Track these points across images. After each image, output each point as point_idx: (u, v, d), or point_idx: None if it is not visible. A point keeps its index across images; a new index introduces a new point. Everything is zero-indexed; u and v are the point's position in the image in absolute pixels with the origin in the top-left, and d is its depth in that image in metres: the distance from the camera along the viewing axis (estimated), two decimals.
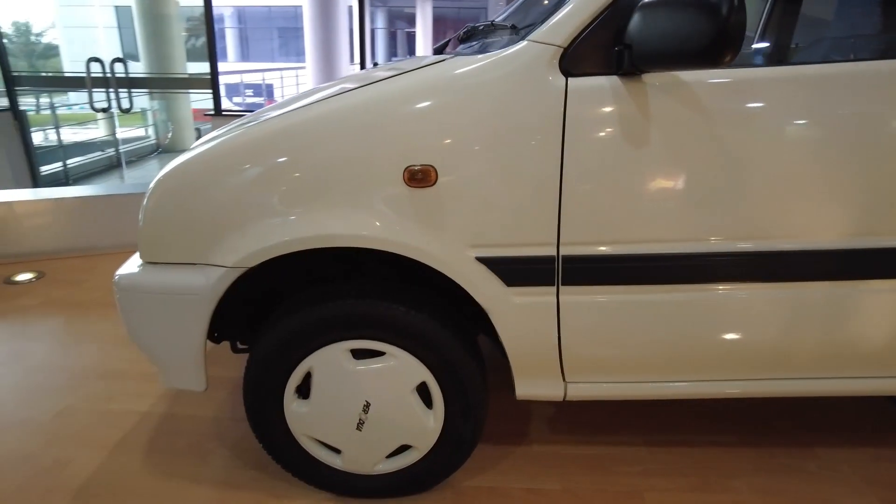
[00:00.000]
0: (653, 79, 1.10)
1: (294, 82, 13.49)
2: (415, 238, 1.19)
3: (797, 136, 1.11)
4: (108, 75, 4.76)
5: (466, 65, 1.17)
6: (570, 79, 1.11)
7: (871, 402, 1.93)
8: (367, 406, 1.37)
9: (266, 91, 13.81)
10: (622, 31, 1.07)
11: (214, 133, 1.49)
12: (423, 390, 1.37)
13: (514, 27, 1.27)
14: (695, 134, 1.11)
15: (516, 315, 1.25)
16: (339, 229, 1.19)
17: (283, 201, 1.20)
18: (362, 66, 5.44)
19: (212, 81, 4.83)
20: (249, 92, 14.52)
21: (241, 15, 23.02)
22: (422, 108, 1.15)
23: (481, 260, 1.20)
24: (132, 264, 1.37)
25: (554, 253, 1.19)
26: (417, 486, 1.50)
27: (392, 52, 22.00)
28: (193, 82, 5.60)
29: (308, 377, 1.37)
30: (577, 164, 1.13)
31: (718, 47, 0.93)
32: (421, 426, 1.39)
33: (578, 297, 1.23)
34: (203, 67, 5.01)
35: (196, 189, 1.25)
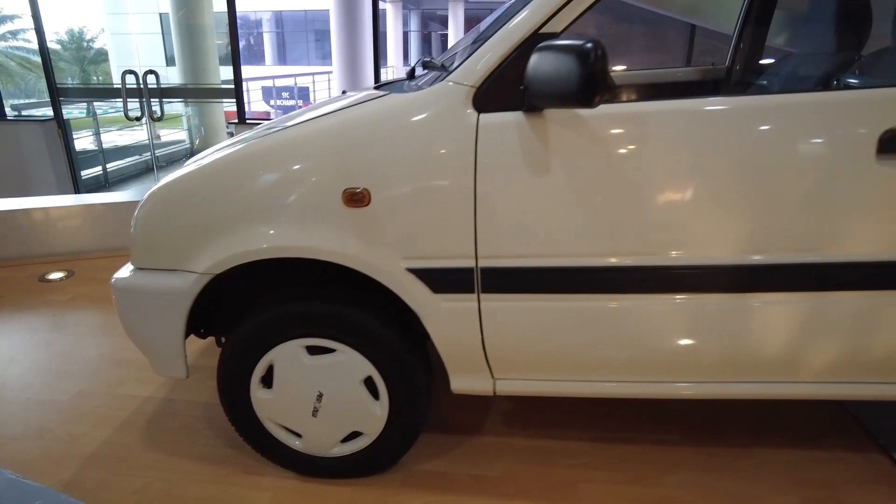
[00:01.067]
0: (552, 114, 1.26)
1: (326, 86, 13.89)
2: (354, 250, 1.38)
3: (681, 162, 1.25)
4: (141, 86, 5.10)
5: (397, 101, 1.36)
6: (481, 114, 1.28)
7: (819, 406, 2.02)
8: (320, 396, 1.57)
9: (299, 94, 14.26)
10: (522, 74, 1.23)
11: (205, 153, 1.72)
12: (371, 382, 1.56)
13: (443, 66, 1.44)
14: (590, 162, 1.27)
15: (444, 318, 1.42)
16: (289, 242, 1.39)
17: (244, 218, 1.41)
18: (376, 72, 5.66)
19: (235, 91, 5.13)
20: (286, 95, 15.04)
21: (279, 19, 23.69)
22: (357, 139, 1.34)
23: (411, 270, 1.38)
24: (126, 269, 1.60)
25: (473, 265, 1.36)
26: (370, 469, 1.69)
27: (426, 54, 22.27)
28: (219, 92, 5.94)
29: (271, 369, 1.58)
30: (488, 189, 1.29)
31: (587, 90, 1.10)
32: (369, 414, 1.58)
33: (497, 304, 1.39)
34: (229, 72, 5.30)
35: (175, 206, 1.47)
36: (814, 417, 1.96)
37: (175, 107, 8.02)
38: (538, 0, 1.26)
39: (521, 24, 1.26)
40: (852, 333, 1.33)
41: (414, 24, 21.93)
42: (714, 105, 1.25)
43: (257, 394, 1.61)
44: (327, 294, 1.52)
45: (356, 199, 1.34)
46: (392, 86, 1.72)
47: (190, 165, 1.55)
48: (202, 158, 1.57)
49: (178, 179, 1.49)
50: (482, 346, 1.45)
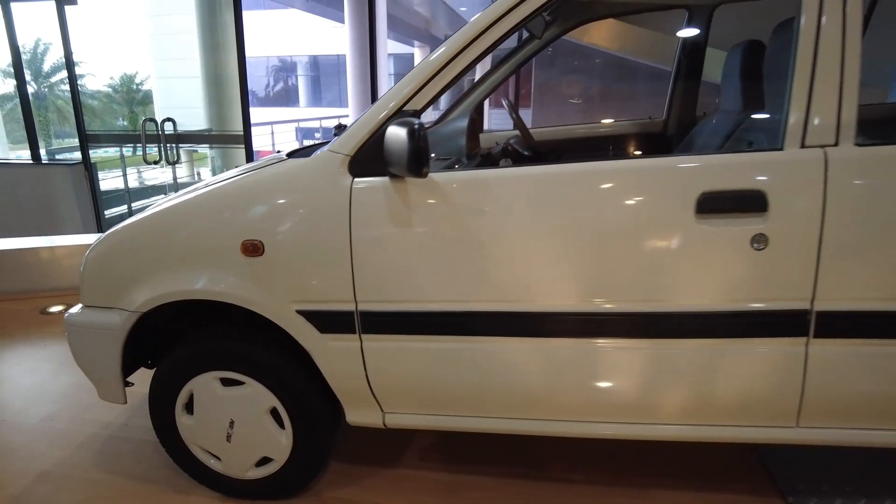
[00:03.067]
0: (411, 179, 1.45)
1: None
2: (251, 294, 1.58)
3: (522, 222, 1.42)
4: (159, 133, 5.53)
5: (290, 166, 1.57)
6: (355, 178, 1.49)
7: (730, 451, 2.08)
8: (232, 423, 1.75)
9: (324, 134, 14.95)
10: None
11: (156, 202, 1.97)
12: (277, 412, 1.73)
13: (337, 131, 1.66)
14: (443, 220, 1.45)
15: (331, 356, 1.60)
16: (198, 287, 1.60)
17: (164, 265, 1.63)
18: None
19: (244, 138, 5.51)
20: (317, 135, 15.79)
21: (314, 63, 24.83)
22: (255, 198, 1.56)
23: (300, 312, 1.57)
24: (77, 307, 1.84)
25: (353, 308, 1.54)
26: (282, 492, 1.86)
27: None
28: (230, 138, 6.37)
29: (192, 397, 1.77)
30: (361, 243, 1.48)
31: (415, 163, 1.29)
32: (275, 442, 1.75)
33: (376, 344, 1.57)
34: (264, 113, 5.67)
35: (114, 252, 1.71)
36: (722, 462, 2.03)
37: (202, 147, 8.57)
38: (401, 81, 1.48)
39: (386, 102, 1.46)
40: (690, 379, 1.45)
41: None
42: (550, 171, 1.42)
43: (181, 419, 1.80)
44: (237, 332, 1.72)
45: (252, 249, 1.55)
46: (304, 151, 1.94)
47: (134, 216, 1.80)
48: (149, 208, 1.82)
49: (120, 229, 1.73)
50: (367, 382, 1.61)
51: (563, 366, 1.49)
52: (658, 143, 2.58)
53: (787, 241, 1.31)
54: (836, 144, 1.30)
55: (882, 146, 1.30)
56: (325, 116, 14.72)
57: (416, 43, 21.02)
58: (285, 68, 25.55)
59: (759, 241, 1.32)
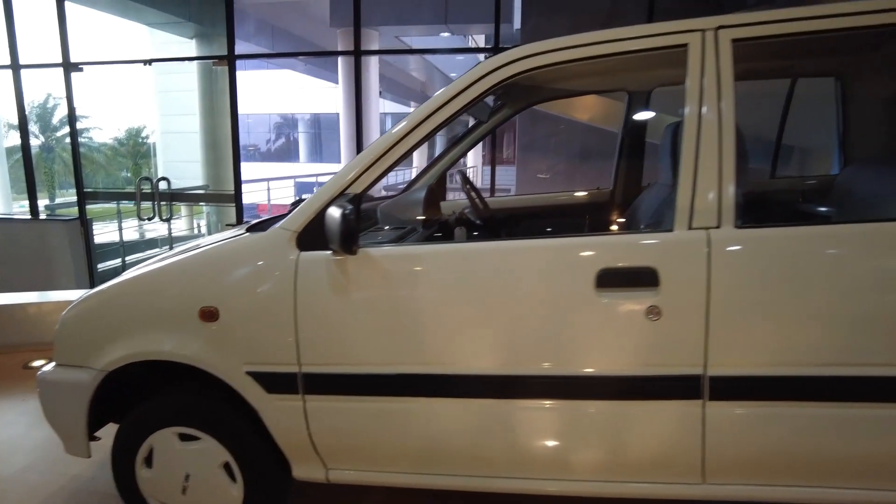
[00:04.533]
0: (355, 254, 1.62)
1: None
2: (206, 356, 1.72)
3: (443, 292, 1.59)
4: (154, 191, 5.78)
5: (245, 240, 1.75)
6: (301, 252, 1.66)
7: None
8: (187, 477, 1.86)
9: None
10: None
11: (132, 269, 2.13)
12: (230, 467, 1.84)
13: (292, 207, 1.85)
14: (378, 290, 1.61)
15: (277, 415, 1.73)
16: (159, 348, 1.76)
17: (128, 328, 1.79)
18: None
19: (235, 197, 5.75)
20: (316, 189, 16.23)
21: (316, 120, 25.65)
22: (212, 269, 1.73)
23: (250, 374, 1.71)
24: (50, 365, 1.98)
25: (297, 371, 1.68)
26: None
27: (433, 150, 23.66)
28: (222, 197, 6.65)
29: (152, 451, 1.89)
30: (305, 311, 1.64)
31: (346, 241, 1.47)
32: (227, 495, 1.85)
33: (318, 403, 1.70)
34: (266, 168, 5.92)
35: (87, 314, 1.87)
36: None
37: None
38: (346, 165, 1.67)
39: (331, 185, 1.66)
40: (601, 437, 1.58)
41: None
42: (471, 248, 1.61)
43: (141, 472, 1.91)
44: (194, 392, 1.85)
45: (208, 315, 1.70)
46: (264, 224, 2.13)
47: (109, 281, 1.96)
48: (126, 272, 1.98)
49: (94, 293, 1.90)
50: (310, 439, 1.74)
51: (485, 424, 1.62)
52: (605, 212, 2.77)
53: (677, 313, 1.47)
54: (718, 226, 1.48)
55: (759, 228, 1.48)
56: (323, 172, 15.18)
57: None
58: (287, 125, 26.36)
59: (653, 312, 1.48)
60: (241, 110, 5.82)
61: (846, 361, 1.45)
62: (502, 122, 2.76)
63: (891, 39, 2.16)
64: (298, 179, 15.44)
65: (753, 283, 1.46)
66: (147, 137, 26.14)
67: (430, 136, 1.66)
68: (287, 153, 26.00)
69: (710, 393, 1.50)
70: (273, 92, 22.83)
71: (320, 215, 1.64)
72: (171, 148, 19.24)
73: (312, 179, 15.34)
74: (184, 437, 1.85)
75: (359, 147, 6.43)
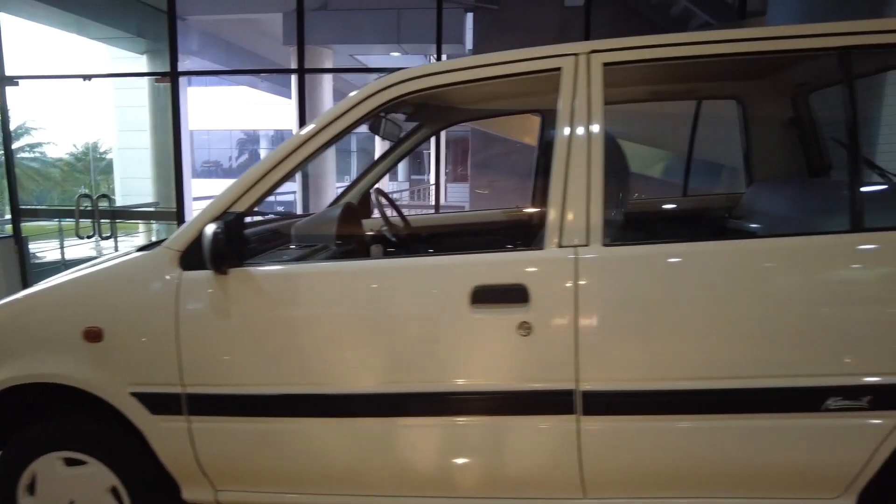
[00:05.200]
0: (232, 272, 1.62)
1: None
2: (90, 377, 1.69)
3: (327, 311, 1.60)
4: (93, 209, 5.66)
5: (131, 260, 1.73)
6: (184, 272, 1.65)
7: None
8: (72, 503, 1.81)
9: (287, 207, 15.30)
10: None
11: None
12: (118, 491, 1.80)
13: None
14: (258, 309, 1.61)
15: (162, 436, 1.70)
16: (43, 370, 1.71)
17: (11, 350, 1.75)
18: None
19: (177, 214, 5.66)
20: (280, 207, 16.14)
21: (279, 137, 25.49)
22: (97, 289, 1.71)
23: (134, 394, 1.69)
24: None
25: (180, 391, 1.66)
26: None
27: (414, 171, 23.77)
28: (163, 214, 6.54)
29: (35, 478, 1.83)
30: (187, 331, 1.63)
31: (215, 260, 1.48)
32: None
33: (202, 424, 1.68)
34: (223, 185, 5.85)
35: None
36: None
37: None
38: (228, 186, 1.67)
39: (213, 204, 1.65)
40: (481, 454, 1.60)
41: None
42: (350, 266, 1.62)
43: (23, 501, 1.85)
44: (81, 414, 1.81)
45: (93, 335, 1.67)
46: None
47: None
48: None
49: None
50: (196, 461, 1.71)
51: (367, 443, 1.62)
52: (522, 230, 2.82)
53: (547, 329, 1.51)
54: (586, 244, 1.52)
55: (624, 246, 1.53)
56: (285, 191, 15.08)
57: None
58: (249, 141, 26.11)
59: (524, 328, 1.51)
60: (201, 126, 5.76)
61: (713, 375, 1.50)
62: (422, 141, 2.80)
63: (778, 68, 2.28)
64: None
65: (620, 300, 1.51)
66: (106, 153, 25.60)
67: (314, 156, 1.68)
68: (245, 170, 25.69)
69: (583, 408, 1.53)
70: (234, 108, 22.66)
71: (200, 235, 1.63)
72: (129, 164, 18.87)
73: (270, 197, 15.20)
74: (70, 462, 1.81)
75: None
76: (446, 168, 20.44)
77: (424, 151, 22.15)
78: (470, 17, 8.70)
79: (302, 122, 5.74)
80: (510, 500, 1.65)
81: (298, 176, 8.34)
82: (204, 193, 9.08)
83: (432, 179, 21.01)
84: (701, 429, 1.53)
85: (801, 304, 1.47)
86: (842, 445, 1.50)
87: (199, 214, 1.67)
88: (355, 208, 2.61)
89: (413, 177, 23.87)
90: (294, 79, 10.36)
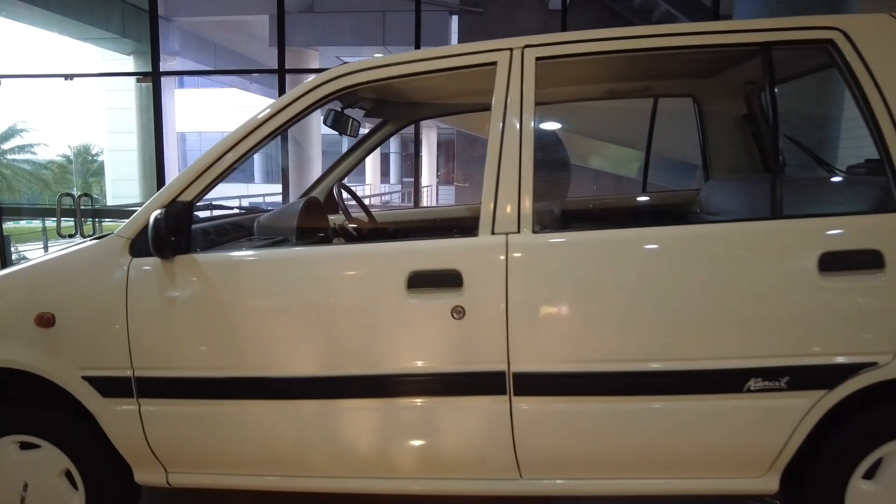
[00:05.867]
0: (178, 259, 1.67)
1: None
2: (42, 362, 1.73)
3: (268, 296, 1.65)
4: (75, 208, 5.69)
5: (84, 248, 1.78)
6: (134, 259, 1.70)
7: None
8: (26, 486, 1.85)
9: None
10: None
11: None
12: (71, 474, 1.84)
13: None
14: (202, 295, 1.66)
15: (113, 419, 1.75)
16: None
17: None
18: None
19: None
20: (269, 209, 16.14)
21: (275, 141, 25.47)
22: (50, 275, 1.76)
23: (86, 378, 1.73)
24: None
25: (130, 374, 1.71)
26: None
27: (405, 174, 23.84)
28: None
29: None
30: (135, 315, 1.68)
31: (157, 246, 1.55)
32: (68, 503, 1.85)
33: (152, 407, 1.73)
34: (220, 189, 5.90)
35: None
36: None
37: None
38: (177, 176, 1.72)
39: (162, 193, 1.71)
40: (418, 434, 1.65)
41: (394, 147, 23.65)
42: (289, 253, 1.69)
43: None
44: (33, 399, 1.85)
45: (44, 321, 1.72)
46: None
47: None
48: None
49: None
50: (146, 443, 1.76)
51: (309, 425, 1.67)
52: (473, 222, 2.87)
53: (480, 312, 1.56)
54: (518, 232, 1.58)
55: (555, 233, 1.59)
56: (273, 193, 15.12)
57: (366, 123, 21.93)
58: None
59: (458, 312, 1.56)
60: (192, 128, 5.82)
61: (639, 357, 1.56)
62: (387, 137, 2.86)
63: (727, 67, 2.34)
64: (245, 201, 15.34)
65: (549, 284, 1.57)
66: (98, 155, 25.59)
67: (260, 146, 1.73)
68: (242, 173, 25.73)
69: (514, 389, 1.58)
70: (224, 110, 22.68)
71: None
72: (119, 166, 18.89)
73: (259, 200, 15.25)
74: (25, 446, 1.85)
75: (291, 165, 6.46)
76: (438, 171, 20.52)
77: (412, 154, 22.30)
78: (455, 19, 8.78)
79: None
80: (450, 481, 1.71)
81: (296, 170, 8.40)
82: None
83: (424, 182, 21.08)
84: (628, 410, 1.58)
85: (722, 289, 1.53)
86: (764, 425, 1.56)
87: (148, 203, 1.73)
88: (319, 203, 2.66)
89: (405, 179, 23.94)
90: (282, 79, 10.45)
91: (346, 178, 2.88)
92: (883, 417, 1.56)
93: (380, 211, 3.03)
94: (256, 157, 26.19)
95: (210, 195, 1.78)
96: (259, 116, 1.71)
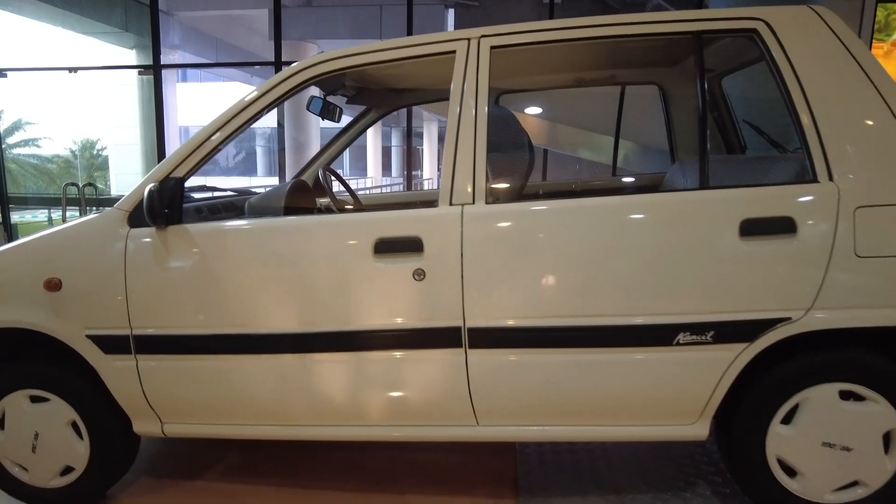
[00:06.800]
0: (172, 229, 1.87)
1: None
2: (50, 323, 1.94)
3: (251, 262, 1.84)
4: (79, 196, 5.90)
5: (88, 220, 1.98)
6: (132, 229, 1.90)
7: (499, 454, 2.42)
8: (37, 435, 2.06)
9: None
10: None
11: None
12: (77, 425, 2.04)
13: None
14: (192, 261, 1.86)
15: (114, 374, 1.95)
16: (9, 317, 1.96)
17: None
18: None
19: None
20: None
21: (274, 134, 25.75)
22: (58, 244, 1.96)
23: (89, 337, 1.93)
24: None
25: (129, 333, 1.91)
26: (82, 499, 2.13)
27: (405, 167, 23.93)
28: None
29: (4, 414, 2.08)
30: (133, 279, 1.88)
31: (152, 216, 1.74)
32: (74, 452, 2.05)
33: (148, 363, 1.93)
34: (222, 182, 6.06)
35: None
36: (482, 467, 2.36)
37: None
38: (171, 154, 1.92)
39: (157, 170, 1.90)
40: (384, 385, 1.84)
41: (396, 140, 23.82)
42: (268, 223, 1.89)
43: None
44: (43, 357, 2.05)
45: (52, 286, 1.92)
46: None
47: None
48: None
49: None
50: (144, 395, 1.96)
51: (287, 377, 1.87)
52: None
53: (438, 274, 1.75)
54: (473, 203, 1.77)
55: (504, 203, 1.78)
56: (274, 185, 15.36)
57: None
58: (246, 138, 26.36)
59: (419, 274, 1.75)
60: (196, 123, 6.02)
61: (580, 314, 1.75)
62: (371, 123, 3.05)
63: (687, 55, 2.51)
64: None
65: (499, 248, 1.75)
66: (104, 149, 25.86)
67: (244, 127, 1.92)
68: (245, 167, 25.99)
69: (469, 343, 1.78)
70: (227, 104, 22.87)
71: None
72: (124, 160, 19.18)
73: (261, 191, 15.48)
74: (35, 400, 2.05)
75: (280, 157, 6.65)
76: (439, 164, 20.66)
77: (418, 147, 22.42)
78: (451, 13, 8.93)
79: (280, 114, 5.98)
80: (414, 427, 1.90)
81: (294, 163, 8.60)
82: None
83: (426, 174, 21.22)
84: (571, 362, 1.77)
85: (654, 252, 1.72)
86: (692, 376, 1.75)
87: (144, 179, 1.92)
88: (306, 185, 2.85)
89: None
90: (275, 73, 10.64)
91: (337, 164, 3.06)
92: (798, 367, 1.74)
93: (366, 194, 3.22)
94: (258, 153, 26.42)
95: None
96: (243, 100, 1.90)
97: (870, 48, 3.62)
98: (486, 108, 1.80)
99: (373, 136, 20.24)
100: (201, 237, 1.87)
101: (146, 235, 1.88)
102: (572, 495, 2.14)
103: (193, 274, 1.86)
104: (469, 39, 1.85)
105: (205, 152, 1.90)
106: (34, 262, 1.96)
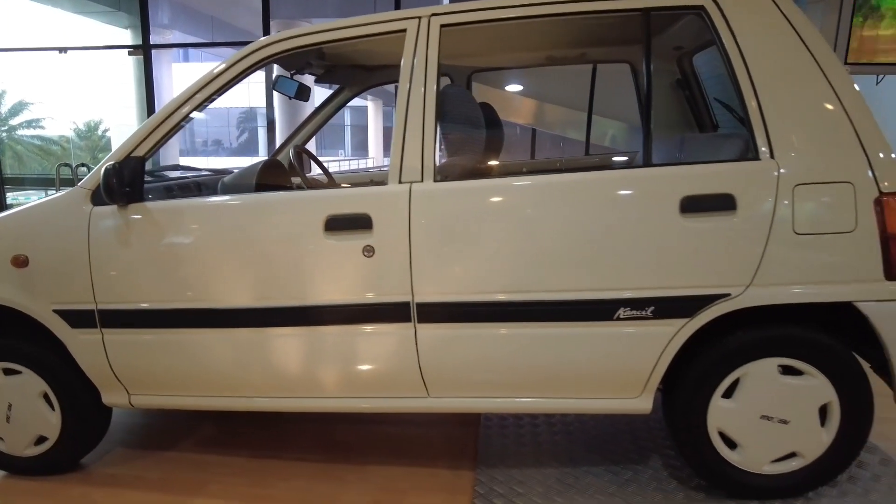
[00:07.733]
0: (132, 207, 1.92)
1: None
2: (18, 298, 2.00)
3: (207, 238, 1.90)
4: (73, 177, 5.96)
5: (55, 197, 2.03)
6: (94, 207, 1.95)
7: (462, 425, 2.49)
8: (10, 406, 2.14)
9: None
10: None
11: None
12: (49, 397, 2.12)
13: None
14: (150, 238, 1.91)
15: (81, 347, 2.02)
16: None
17: None
18: None
19: None
20: None
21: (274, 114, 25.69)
22: (25, 221, 2.02)
23: (56, 311, 2.00)
24: None
25: (94, 307, 1.97)
26: (57, 467, 2.22)
27: None
28: None
29: None
30: (96, 256, 1.93)
31: (109, 194, 1.79)
32: (47, 423, 2.13)
33: (113, 337, 1.99)
34: (224, 163, 6.12)
35: None
36: (445, 438, 2.43)
37: None
38: (132, 133, 1.96)
39: (118, 150, 1.94)
40: (337, 358, 1.90)
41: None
42: (224, 201, 1.94)
43: None
44: (15, 331, 2.12)
45: (19, 262, 1.98)
46: None
47: None
48: None
49: None
50: (110, 367, 2.03)
51: (244, 350, 1.93)
52: None
53: (387, 251, 1.80)
54: (421, 181, 1.81)
55: (450, 182, 1.82)
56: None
57: (369, 97, 22.15)
58: (248, 119, 26.36)
59: (368, 250, 1.80)
60: None
61: (524, 289, 1.79)
62: (345, 103, 3.08)
63: (657, 33, 2.51)
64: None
65: (445, 225, 1.79)
66: (108, 130, 25.91)
67: (203, 105, 1.96)
68: (247, 148, 26.01)
69: (417, 317, 1.83)
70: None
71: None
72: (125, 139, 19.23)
73: None
74: (8, 372, 2.13)
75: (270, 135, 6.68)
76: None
77: None
78: None
79: (269, 95, 5.99)
80: (368, 399, 1.97)
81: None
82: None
83: None
84: (516, 335, 1.82)
85: (596, 228, 1.75)
86: (634, 350, 1.79)
87: (106, 158, 1.97)
88: (279, 164, 2.89)
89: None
90: None
91: (339, 144, 3.09)
92: (739, 343, 1.78)
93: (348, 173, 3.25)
94: (261, 133, 26.38)
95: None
96: (201, 80, 1.94)
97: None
98: (435, 87, 1.83)
99: (374, 117, 20.22)
100: (161, 214, 1.92)
101: (108, 213, 1.93)
102: (529, 467, 2.21)
103: (153, 250, 1.91)
104: (420, 18, 1.87)
105: (164, 131, 1.94)
106: (2, 239, 2.02)
